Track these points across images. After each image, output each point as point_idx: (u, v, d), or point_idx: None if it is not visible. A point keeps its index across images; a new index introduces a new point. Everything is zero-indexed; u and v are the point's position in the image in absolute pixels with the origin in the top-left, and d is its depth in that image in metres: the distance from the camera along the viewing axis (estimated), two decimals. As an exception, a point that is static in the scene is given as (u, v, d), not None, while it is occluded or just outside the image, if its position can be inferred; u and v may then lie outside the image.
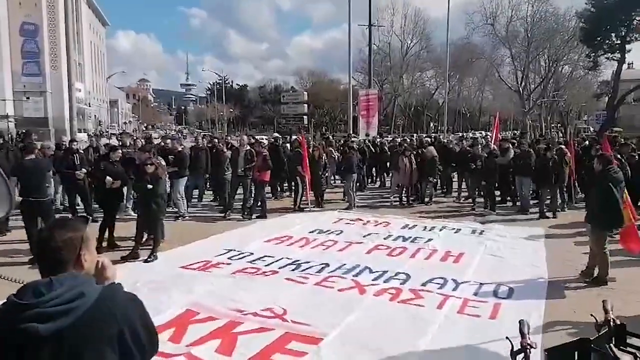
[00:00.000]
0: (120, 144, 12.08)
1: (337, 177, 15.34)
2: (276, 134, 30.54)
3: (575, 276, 6.42)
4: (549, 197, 10.80)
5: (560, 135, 31.35)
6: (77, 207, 9.86)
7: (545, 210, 10.65)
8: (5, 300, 1.49)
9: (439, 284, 6.01)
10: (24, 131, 12.68)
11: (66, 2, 14.34)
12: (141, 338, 1.57)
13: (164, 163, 8.13)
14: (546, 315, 5.06)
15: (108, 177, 7.58)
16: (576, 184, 12.39)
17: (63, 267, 1.54)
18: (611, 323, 2.24)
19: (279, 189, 13.65)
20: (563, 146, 11.99)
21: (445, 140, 16.59)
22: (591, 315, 2.38)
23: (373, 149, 15.89)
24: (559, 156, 10.95)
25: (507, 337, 2.10)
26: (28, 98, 44.06)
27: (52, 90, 45.18)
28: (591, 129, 45.58)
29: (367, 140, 18.46)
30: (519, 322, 2.11)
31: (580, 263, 6.69)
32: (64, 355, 1.44)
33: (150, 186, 6.97)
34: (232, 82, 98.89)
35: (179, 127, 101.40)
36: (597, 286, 6.04)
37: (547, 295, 5.72)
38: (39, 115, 43.49)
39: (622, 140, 14.42)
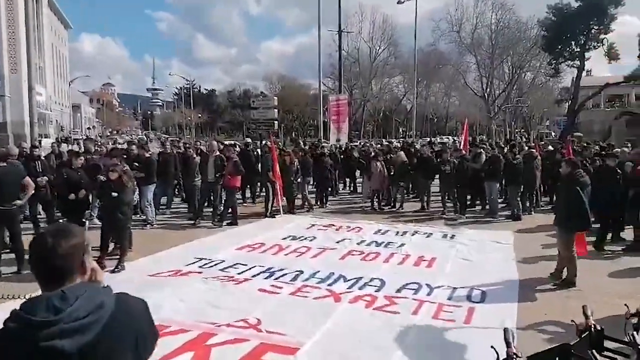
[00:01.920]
0: (83, 150, 11.69)
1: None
2: (248, 139, 30.31)
3: (545, 278, 6.55)
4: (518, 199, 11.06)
5: (524, 139, 32.20)
6: (39, 217, 9.43)
7: (515, 213, 10.90)
8: (10, 317, 1.38)
9: (413, 289, 6.01)
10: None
11: (27, 3, 13.82)
12: (149, 344, 1.60)
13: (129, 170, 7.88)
14: (519, 318, 5.12)
15: (72, 194, 7.32)
16: (541, 187, 12.75)
17: (69, 276, 1.48)
18: (592, 329, 2.24)
19: (249, 194, 13.51)
20: (533, 150, 12.30)
21: (418, 146, 16.70)
22: (572, 321, 2.39)
23: (342, 155, 15.92)
24: (529, 159, 11.22)
25: (492, 347, 2.06)
26: (-15, 102, 42.24)
27: (10, 94, 43.46)
28: (552, 133, 47.15)
29: (337, 146, 18.48)
30: (504, 330, 2.09)
31: (549, 265, 6.83)
32: None
33: (114, 194, 6.74)
34: (200, 86, 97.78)
35: (145, 132, 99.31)
36: (566, 288, 6.17)
37: (519, 298, 5.80)
38: (-4, 120, 41.74)
39: (584, 144, 14.92)
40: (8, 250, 6.84)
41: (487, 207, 11.90)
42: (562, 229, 6.41)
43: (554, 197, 11.66)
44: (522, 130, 55.44)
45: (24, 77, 27.86)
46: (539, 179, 11.75)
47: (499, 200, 12.10)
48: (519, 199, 11.23)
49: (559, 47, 35.31)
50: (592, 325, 2.26)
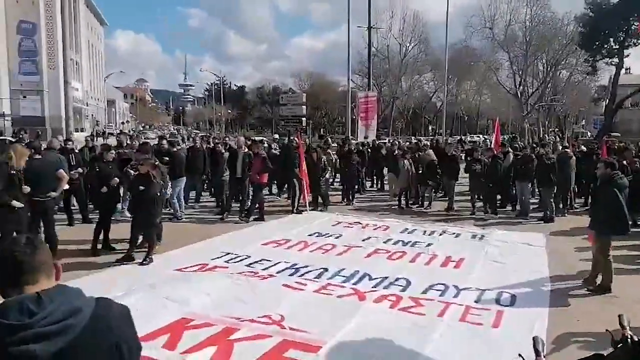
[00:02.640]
0: (117, 143, 11.97)
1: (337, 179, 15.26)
2: (276, 135, 30.48)
3: (578, 283, 6.32)
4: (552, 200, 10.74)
5: (558, 139, 31.35)
6: (73, 208, 9.71)
7: (547, 214, 10.59)
8: None
9: (440, 290, 5.89)
10: (25, 130, 12.52)
11: (63, 1, 14.20)
12: (134, 354, 1.50)
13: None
14: (549, 324, 4.95)
15: (104, 187, 7.49)
16: (575, 189, 12.35)
17: (41, 275, 1.42)
18: (628, 339, 2.12)
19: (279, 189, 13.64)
20: (568, 149, 11.91)
21: (443, 144, 16.39)
22: (606, 330, 2.26)
23: (371, 152, 15.78)
24: (563, 160, 10.88)
25: (519, 355, 1.98)
26: (25, 97, 43.84)
27: (49, 89, 44.96)
28: (589, 133, 45.73)
29: (365, 143, 18.33)
30: (533, 339, 2.00)
31: (583, 270, 6.60)
32: None
33: (142, 187, 6.85)
34: (230, 82, 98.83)
35: (177, 127, 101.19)
36: (600, 294, 5.94)
37: (550, 302, 5.62)
38: (35, 114, 43.23)
39: (623, 145, 14.38)
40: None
41: (518, 207, 11.60)
42: (597, 232, 6.17)
43: (589, 199, 11.26)
44: (556, 129, 53.90)
45: (62, 73, 28.78)
46: (573, 179, 11.38)
47: (531, 201, 11.77)
48: (552, 200, 10.89)
49: (597, 43, 34.25)
50: (629, 336, 2.14)
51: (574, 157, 11.51)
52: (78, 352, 1.34)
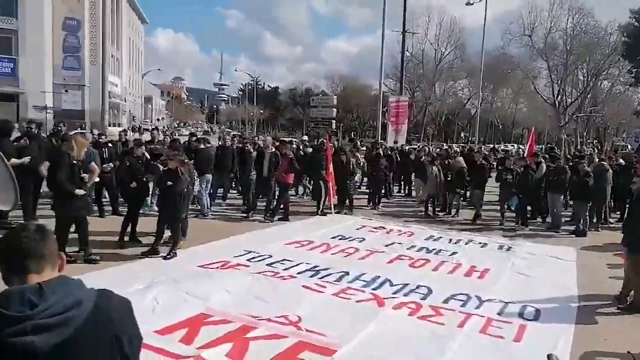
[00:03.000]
0: (150, 139, 12.24)
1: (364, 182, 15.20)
2: (305, 137, 30.55)
3: (608, 301, 6.08)
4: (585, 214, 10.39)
5: (596, 151, 30.29)
6: (104, 200, 9.98)
7: (579, 228, 10.25)
8: None
9: (461, 300, 5.77)
10: (63, 123, 12.92)
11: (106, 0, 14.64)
12: (135, 345, 1.50)
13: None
14: (574, 342, 4.77)
15: (133, 182, 7.68)
16: (611, 203, 11.92)
17: (46, 264, 1.42)
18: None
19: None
20: (604, 162, 11.50)
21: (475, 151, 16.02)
22: (628, 352, 2.16)
23: (399, 157, 15.63)
24: (599, 173, 10.51)
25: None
26: (67, 91, 45.36)
27: (89, 84, 46.40)
28: (629, 146, 44.02)
29: (395, 148, 18.18)
30: (547, 356, 1.92)
31: (614, 287, 6.35)
32: None
33: (169, 183, 6.97)
34: (264, 83, 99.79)
35: (210, 125, 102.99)
36: (631, 313, 5.70)
37: (576, 319, 5.42)
38: (76, 108, 44.70)
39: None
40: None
41: (549, 220, 11.27)
42: (631, 249, 5.92)
43: (625, 214, 10.84)
44: (595, 141, 52.17)
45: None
46: (609, 193, 10.98)
47: (563, 214, 11.41)
48: (586, 213, 10.53)
49: (642, 54, 32.97)
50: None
51: (610, 170, 11.11)
52: (79, 344, 1.34)
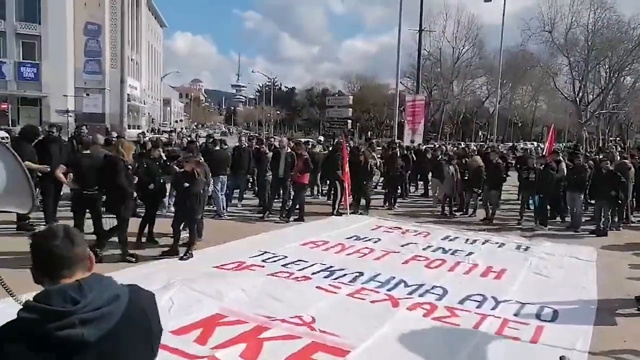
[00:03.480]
0: (167, 141, 12.41)
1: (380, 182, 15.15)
2: (321, 137, 30.57)
3: (629, 302, 5.95)
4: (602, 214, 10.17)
5: (620, 149, 29.63)
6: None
7: (601, 228, 10.05)
8: (25, 308, 1.36)
9: (477, 301, 5.71)
10: (86, 126, 13.20)
11: (123, 3, 14.90)
12: (159, 337, 1.63)
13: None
14: (593, 343, 4.69)
15: (151, 184, 7.81)
16: (633, 202, 11.67)
17: (78, 265, 1.48)
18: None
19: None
20: (627, 160, 11.26)
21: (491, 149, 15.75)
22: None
23: (415, 156, 15.53)
24: (621, 171, 10.29)
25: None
26: (88, 94, 46.24)
27: (110, 88, 47.22)
28: (653, 143, 42.97)
29: (412, 147, 18.06)
30: (560, 358, 1.90)
31: (634, 288, 6.21)
32: None
33: (186, 184, 7.06)
34: (280, 84, 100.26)
35: (228, 126, 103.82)
36: (653, 315, 5.58)
37: (595, 320, 5.32)
38: (97, 111, 45.53)
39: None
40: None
41: (568, 219, 11.08)
42: (651, 250, 5.80)
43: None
44: (617, 138, 51.04)
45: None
46: (631, 192, 10.75)
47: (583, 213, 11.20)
48: (609, 213, 10.31)
49: (666, 48, 32.13)
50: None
51: (632, 169, 10.87)
52: (120, 336, 1.43)
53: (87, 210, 6.95)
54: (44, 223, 8.63)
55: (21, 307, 1.37)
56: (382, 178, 14.54)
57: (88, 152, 7.23)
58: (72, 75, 45.54)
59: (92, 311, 1.37)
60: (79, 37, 46.50)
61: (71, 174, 6.96)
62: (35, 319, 1.32)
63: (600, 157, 11.60)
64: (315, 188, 14.34)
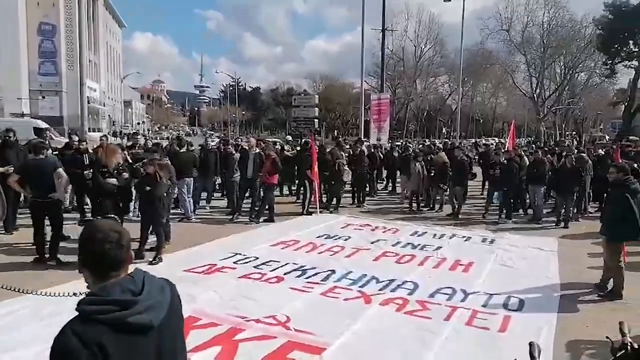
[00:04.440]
0: (132, 144, 12.12)
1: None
2: (288, 137, 30.49)
3: (589, 289, 6.23)
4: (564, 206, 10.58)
5: (576, 143, 30.85)
6: (85, 207, 9.84)
7: (561, 219, 10.45)
8: (86, 301, 1.52)
9: (447, 294, 5.85)
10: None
11: (80, 3, 14.42)
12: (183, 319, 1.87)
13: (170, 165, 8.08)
14: (558, 330, 4.89)
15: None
16: (590, 194, 12.16)
17: (126, 264, 1.64)
18: (628, 347, 2.08)
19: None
20: (584, 154, 11.73)
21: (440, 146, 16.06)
22: (606, 337, 2.22)
23: (382, 155, 15.72)
24: (580, 165, 10.72)
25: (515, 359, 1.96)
26: (44, 97, 44.63)
27: (67, 90, 45.71)
28: (607, 137, 44.97)
29: (378, 145, 18.25)
30: (529, 344, 1.97)
31: (594, 275, 6.50)
32: (165, 342, 1.62)
33: (148, 188, 6.92)
34: (245, 84, 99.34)
35: (192, 128, 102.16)
36: (611, 300, 5.85)
37: (559, 308, 5.54)
38: (54, 114, 43.97)
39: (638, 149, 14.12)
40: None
41: (530, 212, 11.46)
42: (608, 238, 6.08)
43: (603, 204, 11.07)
44: (574, 133, 53.16)
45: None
46: (589, 184, 11.22)
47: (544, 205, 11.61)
48: (571, 204, 10.71)
49: (616, 46, 33.74)
50: (629, 344, 2.10)
51: (590, 162, 11.34)
52: (172, 320, 1.67)
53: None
54: (4, 231, 8.31)
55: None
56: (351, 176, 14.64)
57: (40, 156, 6.94)
58: (26, 77, 43.86)
59: (150, 300, 1.58)
60: (33, 38, 44.84)
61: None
62: (111, 309, 1.50)
63: (564, 152, 12.00)
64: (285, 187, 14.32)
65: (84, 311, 1.50)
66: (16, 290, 1.89)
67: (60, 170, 6.95)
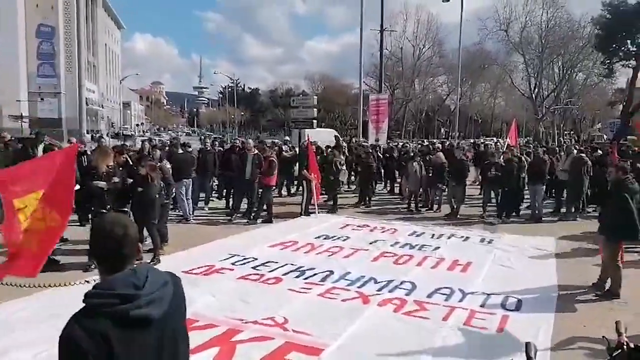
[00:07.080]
0: (129, 145, 12.11)
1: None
2: (287, 138, 30.46)
3: (587, 289, 6.23)
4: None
5: (574, 142, 30.86)
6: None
7: (561, 218, 10.47)
8: (91, 295, 1.55)
9: (445, 294, 5.85)
10: (36, 131, 12.74)
11: (79, 5, 14.41)
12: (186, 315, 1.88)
13: (168, 166, 8.08)
14: (555, 329, 4.89)
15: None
16: (588, 193, 12.16)
17: (133, 259, 1.67)
18: (624, 346, 2.09)
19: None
20: (584, 155, 11.72)
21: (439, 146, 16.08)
22: (603, 337, 2.23)
23: (381, 155, 15.72)
24: (579, 165, 10.74)
25: (511, 360, 1.96)
26: (42, 99, 44.61)
27: (66, 92, 45.68)
28: (605, 136, 45.03)
29: (377, 146, 18.24)
30: (525, 344, 1.98)
31: (592, 275, 6.50)
32: (166, 335, 1.65)
33: (140, 189, 6.92)
34: (244, 85, 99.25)
35: (191, 129, 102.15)
36: (608, 300, 5.86)
37: (556, 308, 5.55)
38: (52, 116, 43.98)
39: (637, 149, 14.13)
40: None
41: (528, 212, 11.47)
42: (606, 238, 6.09)
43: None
44: (572, 132, 53.22)
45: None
46: (587, 184, 11.22)
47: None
48: (571, 204, 10.74)
49: (614, 46, 33.71)
50: (625, 343, 2.11)
51: (589, 162, 11.34)
52: (174, 314, 1.69)
53: None
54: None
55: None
56: (354, 177, 14.66)
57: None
58: (25, 79, 43.84)
59: (152, 294, 1.60)
60: (32, 40, 44.83)
61: None
62: (113, 302, 1.53)
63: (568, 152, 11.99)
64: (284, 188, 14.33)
65: (88, 304, 1.55)
66: (29, 286, 1.89)
67: None
